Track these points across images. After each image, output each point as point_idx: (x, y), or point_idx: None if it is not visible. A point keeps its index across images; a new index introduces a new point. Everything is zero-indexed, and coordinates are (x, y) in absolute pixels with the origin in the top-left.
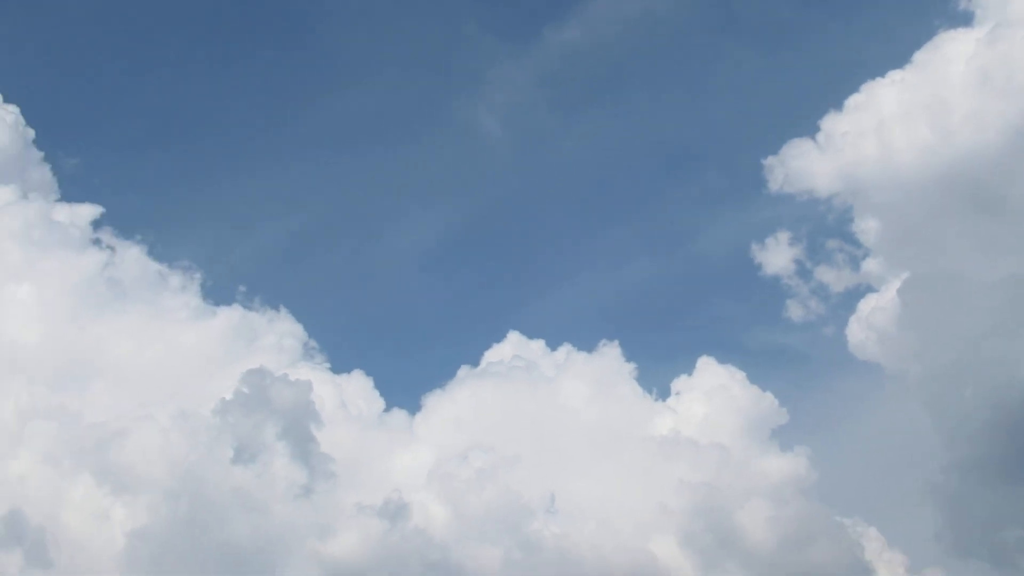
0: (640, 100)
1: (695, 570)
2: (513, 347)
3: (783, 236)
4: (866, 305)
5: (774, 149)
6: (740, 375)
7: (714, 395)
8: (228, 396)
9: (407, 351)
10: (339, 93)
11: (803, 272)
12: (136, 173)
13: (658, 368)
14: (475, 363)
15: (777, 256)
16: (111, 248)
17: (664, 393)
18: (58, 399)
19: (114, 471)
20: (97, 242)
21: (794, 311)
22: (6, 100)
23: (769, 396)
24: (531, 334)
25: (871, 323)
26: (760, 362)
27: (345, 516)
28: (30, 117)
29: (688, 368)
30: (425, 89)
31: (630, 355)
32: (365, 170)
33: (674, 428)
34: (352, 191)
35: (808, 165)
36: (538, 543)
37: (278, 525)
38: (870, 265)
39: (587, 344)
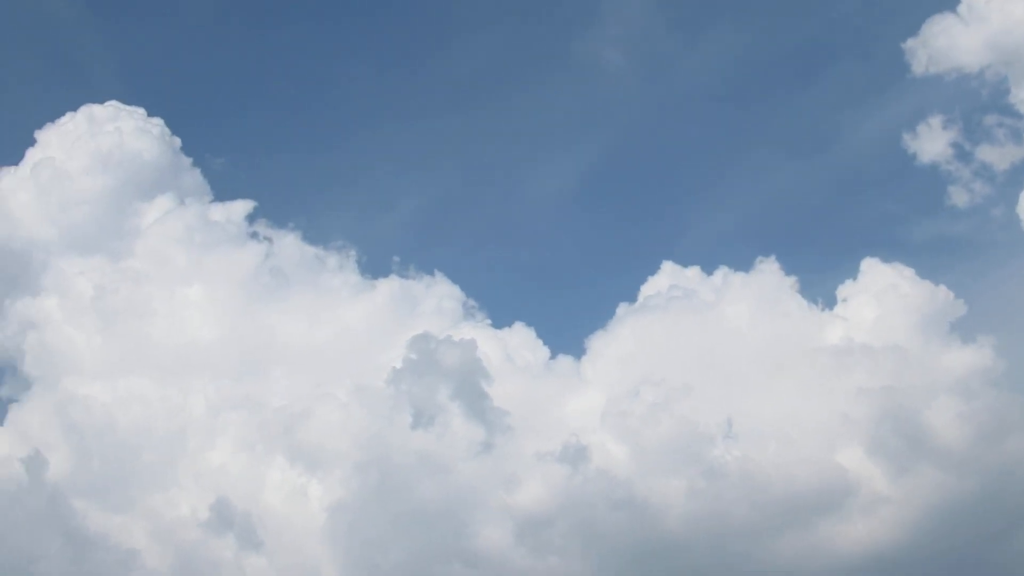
0: (762, 1)
1: (887, 477)
2: (668, 277)
3: (935, 121)
4: None
5: (913, 30)
6: (908, 272)
7: (883, 296)
8: (398, 365)
9: (564, 297)
10: (455, 47)
11: (962, 155)
12: (278, 163)
13: (820, 277)
14: (632, 299)
15: (932, 142)
16: (268, 239)
17: (830, 302)
18: (243, 389)
19: (305, 450)
20: (255, 235)
21: (958, 197)
22: (150, 114)
23: (943, 289)
24: (685, 262)
25: None
26: (928, 256)
27: (526, 466)
28: (174, 126)
29: (852, 273)
30: (541, 31)
31: (789, 268)
32: (493, 122)
33: (846, 336)
34: (484, 145)
35: (953, 41)
36: (721, 469)
37: (464, 482)
38: None
39: (743, 264)
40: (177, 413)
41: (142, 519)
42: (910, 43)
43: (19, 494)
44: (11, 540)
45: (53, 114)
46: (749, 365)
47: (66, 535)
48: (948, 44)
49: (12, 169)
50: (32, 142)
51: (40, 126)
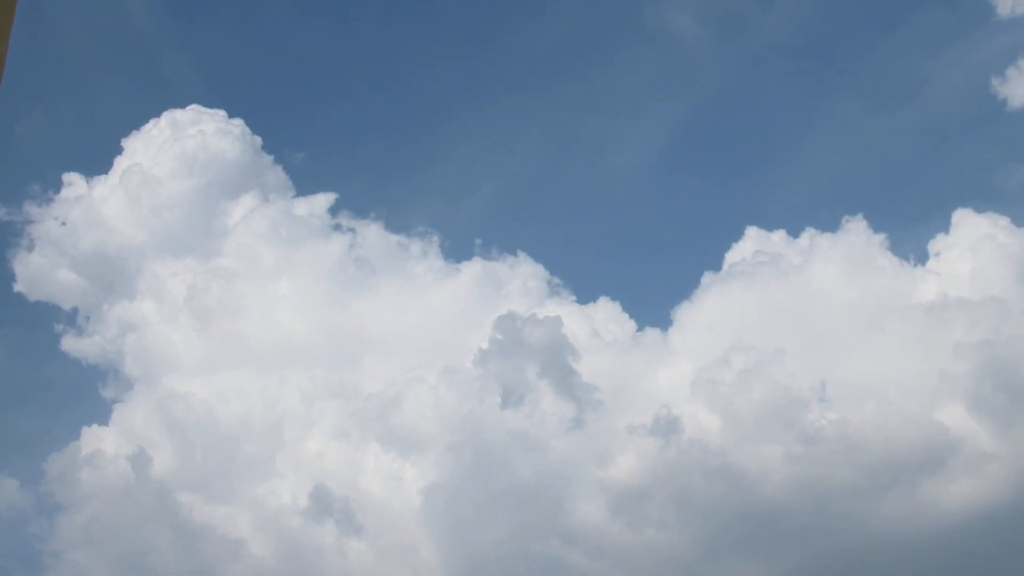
0: None
1: (991, 433)
2: (753, 243)
3: None
4: None
5: None
6: (1003, 221)
7: (978, 248)
8: (485, 346)
9: (648, 270)
10: (525, 26)
11: None
12: (356, 155)
13: (911, 233)
14: (717, 268)
15: (1022, 86)
16: (352, 230)
17: (922, 257)
18: (336, 378)
19: (398, 435)
20: (338, 227)
21: None
22: (230, 116)
23: None
24: (769, 226)
25: None
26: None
27: (619, 440)
28: (254, 126)
29: (943, 226)
30: (611, 2)
31: (877, 226)
32: (568, 98)
33: (940, 291)
34: (559, 122)
35: None
36: (817, 434)
37: (557, 459)
38: None
39: (830, 224)
40: (273, 405)
41: (245, 509)
42: None
43: (128, 490)
44: (123, 535)
45: (138, 121)
46: (841, 327)
47: (174, 528)
48: None
49: (103, 178)
50: (119, 150)
51: (126, 134)
